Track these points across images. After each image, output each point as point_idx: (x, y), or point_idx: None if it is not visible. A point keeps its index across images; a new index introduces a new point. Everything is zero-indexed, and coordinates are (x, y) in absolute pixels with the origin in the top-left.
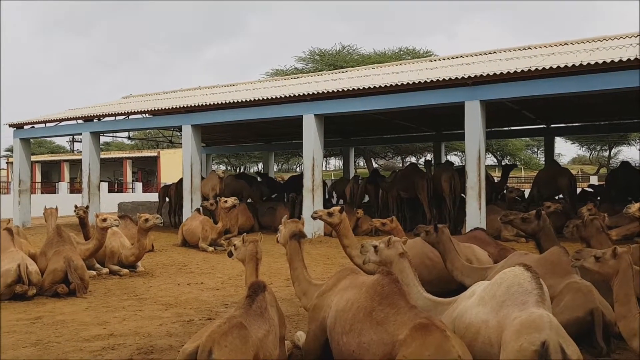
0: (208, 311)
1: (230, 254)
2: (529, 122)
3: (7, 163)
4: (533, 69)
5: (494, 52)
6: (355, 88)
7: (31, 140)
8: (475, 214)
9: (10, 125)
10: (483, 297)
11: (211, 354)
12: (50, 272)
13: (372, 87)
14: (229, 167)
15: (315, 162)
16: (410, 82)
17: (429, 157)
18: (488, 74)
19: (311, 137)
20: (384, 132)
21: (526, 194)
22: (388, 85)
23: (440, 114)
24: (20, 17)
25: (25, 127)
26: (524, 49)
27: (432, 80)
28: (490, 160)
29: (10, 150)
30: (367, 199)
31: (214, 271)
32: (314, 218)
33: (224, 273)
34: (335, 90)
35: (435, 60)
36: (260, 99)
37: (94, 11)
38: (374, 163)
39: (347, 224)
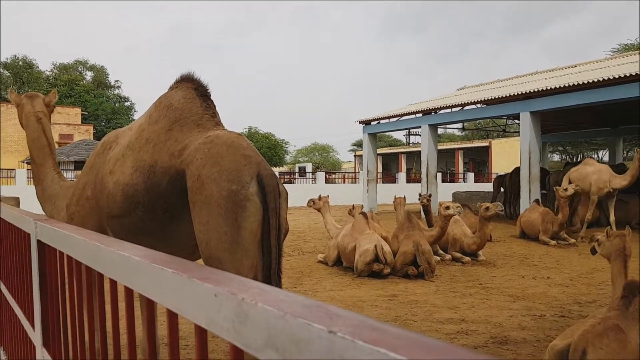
0: (560, 308)
1: (593, 251)
2: None
3: (354, 156)
4: None
5: None
6: None
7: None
8: None
9: (359, 122)
10: None
11: (585, 354)
12: (401, 254)
13: None
14: (564, 156)
15: None
16: None
17: None
18: None
19: None
20: None
21: None
22: None
23: None
24: (365, 23)
25: (372, 123)
26: None
27: None
28: None
29: (358, 144)
30: None
31: (559, 266)
32: None
33: (571, 269)
34: None
35: None
36: (610, 78)
37: (429, 9)
38: None
39: None
